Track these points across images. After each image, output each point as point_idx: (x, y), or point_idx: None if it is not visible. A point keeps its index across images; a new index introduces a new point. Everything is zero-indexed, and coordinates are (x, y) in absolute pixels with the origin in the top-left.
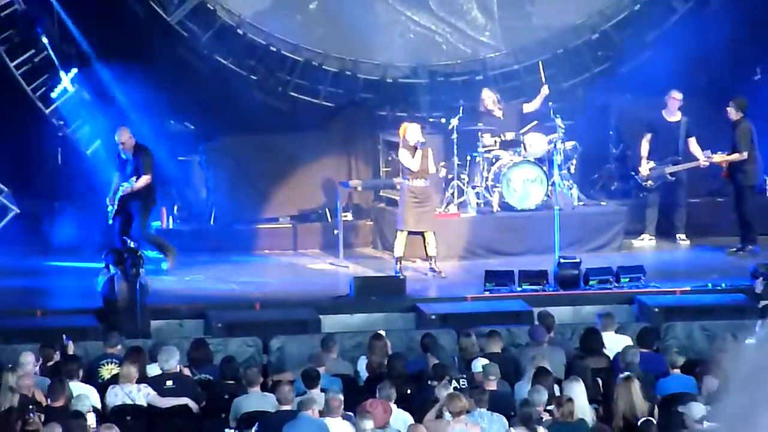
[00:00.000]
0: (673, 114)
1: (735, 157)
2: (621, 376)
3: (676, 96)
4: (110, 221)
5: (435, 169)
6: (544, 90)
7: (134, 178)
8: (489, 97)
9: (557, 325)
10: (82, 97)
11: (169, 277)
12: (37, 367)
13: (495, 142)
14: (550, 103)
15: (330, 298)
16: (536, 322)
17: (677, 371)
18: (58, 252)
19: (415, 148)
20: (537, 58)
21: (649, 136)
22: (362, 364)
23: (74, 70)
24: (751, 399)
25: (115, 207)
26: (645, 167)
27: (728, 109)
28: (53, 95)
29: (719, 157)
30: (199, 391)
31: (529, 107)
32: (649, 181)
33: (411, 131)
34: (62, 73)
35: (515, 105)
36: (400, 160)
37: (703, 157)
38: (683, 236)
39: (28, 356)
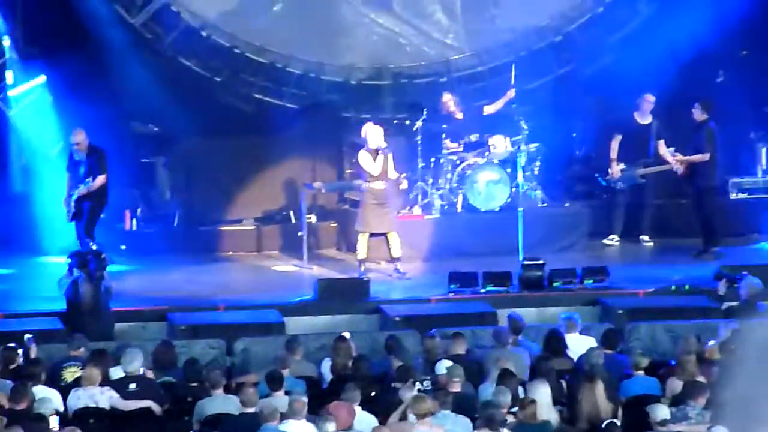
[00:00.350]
0: (645, 116)
1: (698, 157)
2: (584, 376)
3: (649, 99)
4: (68, 222)
5: (395, 176)
6: (511, 93)
7: (90, 179)
8: (449, 100)
9: None
10: (43, 98)
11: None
12: None
13: (458, 144)
14: (514, 105)
15: (294, 300)
16: (505, 325)
17: (641, 373)
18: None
19: (377, 152)
20: (501, 60)
21: (619, 137)
22: (326, 366)
23: (42, 77)
24: (762, 377)
25: (72, 209)
26: (615, 169)
27: (693, 110)
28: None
29: (681, 158)
30: (162, 394)
31: (489, 109)
32: (619, 183)
33: (372, 134)
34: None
35: (476, 107)
36: (359, 162)
37: (673, 160)
38: (647, 238)
39: None
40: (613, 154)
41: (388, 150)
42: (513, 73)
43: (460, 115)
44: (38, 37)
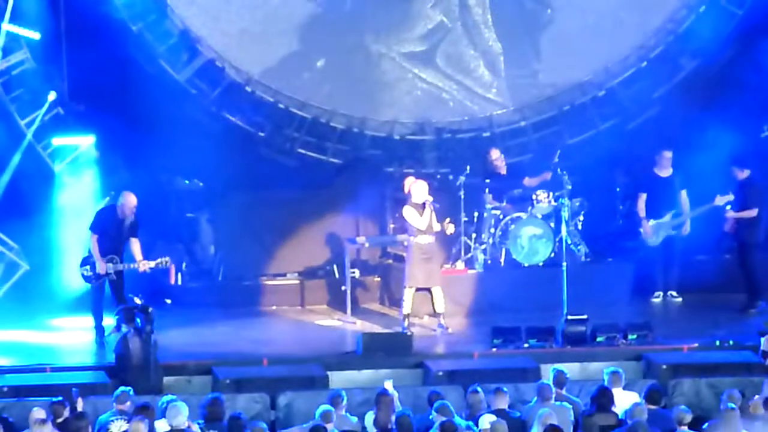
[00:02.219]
0: (665, 170)
1: (744, 214)
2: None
3: (667, 155)
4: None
5: (439, 228)
6: (547, 175)
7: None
8: (498, 157)
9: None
10: (91, 155)
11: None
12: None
13: (502, 200)
14: (558, 152)
15: (337, 354)
16: (548, 380)
17: (685, 428)
18: (66, 307)
19: (423, 206)
20: (544, 115)
21: (644, 196)
22: (369, 419)
23: (91, 137)
24: None
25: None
26: (647, 226)
27: (733, 170)
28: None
29: (730, 214)
30: None
31: (529, 182)
32: (653, 238)
33: (417, 189)
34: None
35: (518, 165)
36: (405, 217)
37: (688, 210)
38: (675, 293)
39: (41, 412)
40: (642, 212)
41: (433, 202)
42: (556, 156)
43: (504, 171)
44: (84, 93)
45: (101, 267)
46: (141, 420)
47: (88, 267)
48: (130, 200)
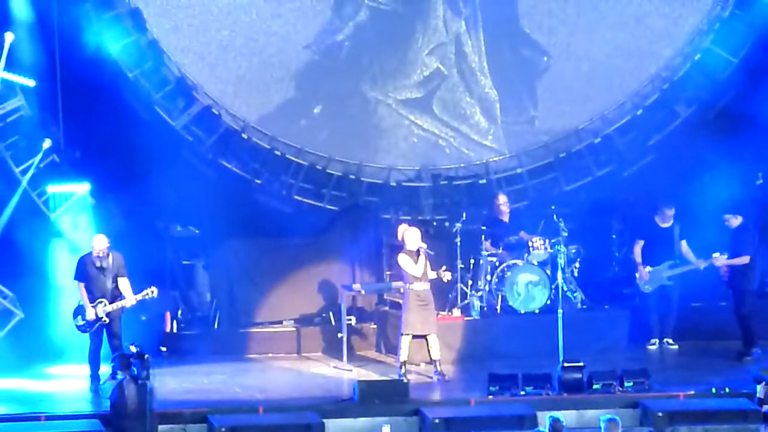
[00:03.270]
0: (666, 221)
1: (738, 260)
2: None
3: (669, 213)
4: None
5: (434, 275)
6: (537, 241)
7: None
8: (504, 202)
9: None
10: (87, 202)
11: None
12: None
13: (499, 246)
14: (553, 207)
15: (334, 402)
16: (545, 427)
17: None
18: (61, 355)
19: (417, 253)
20: (540, 162)
21: (641, 243)
22: None
23: (86, 185)
24: None
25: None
26: (643, 272)
27: (725, 218)
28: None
29: (722, 261)
30: None
31: (525, 236)
32: (647, 286)
33: (410, 236)
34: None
35: (518, 220)
36: (400, 264)
37: (695, 260)
38: (671, 341)
39: None
40: (638, 258)
41: (424, 250)
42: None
43: (507, 218)
44: (79, 140)
45: (90, 313)
46: None
47: (80, 317)
48: (97, 242)
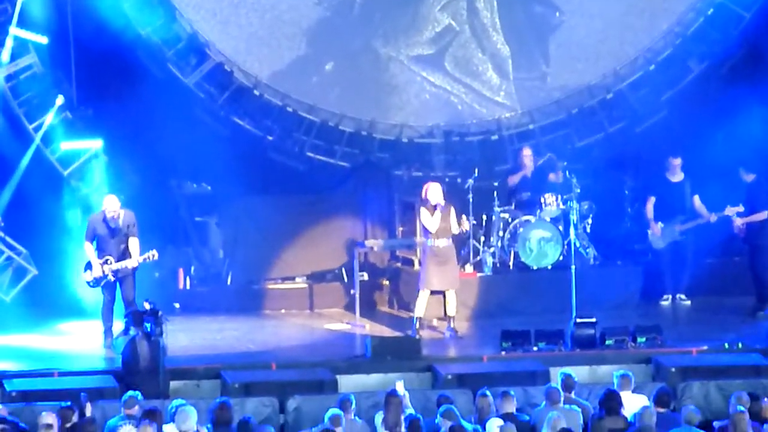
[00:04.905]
0: (676, 175)
1: (755, 217)
2: None
3: (675, 162)
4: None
5: (458, 230)
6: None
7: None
8: (528, 155)
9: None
10: (100, 159)
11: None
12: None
13: (516, 200)
14: (565, 163)
15: (346, 358)
16: (557, 383)
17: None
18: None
19: (435, 208)
20: (552, 118)
21: (653, 199)
22: (378, 419)
23: (99, 141)
24: None
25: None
26: (656, 228)
27: (740, 173)
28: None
29: (738, 219)
30: None
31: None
32: (660, 242)
33: (431, 192)
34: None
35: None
36: (420, 219)
37: (707, 213)
38: (684, 296)
39: (49, 417)
40: (650, 214)
41: (448, 206)
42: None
43: (529, 173)
44: (92, 97)
45: (96, 270)
46: (149, 424)
47: (88, 272)
48: (109, 203)
